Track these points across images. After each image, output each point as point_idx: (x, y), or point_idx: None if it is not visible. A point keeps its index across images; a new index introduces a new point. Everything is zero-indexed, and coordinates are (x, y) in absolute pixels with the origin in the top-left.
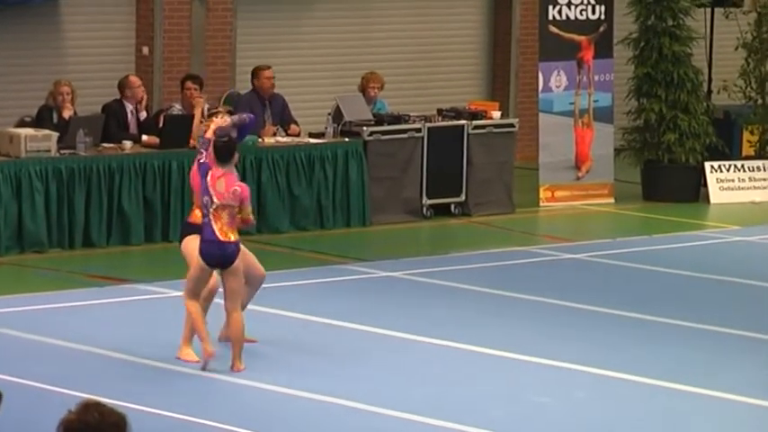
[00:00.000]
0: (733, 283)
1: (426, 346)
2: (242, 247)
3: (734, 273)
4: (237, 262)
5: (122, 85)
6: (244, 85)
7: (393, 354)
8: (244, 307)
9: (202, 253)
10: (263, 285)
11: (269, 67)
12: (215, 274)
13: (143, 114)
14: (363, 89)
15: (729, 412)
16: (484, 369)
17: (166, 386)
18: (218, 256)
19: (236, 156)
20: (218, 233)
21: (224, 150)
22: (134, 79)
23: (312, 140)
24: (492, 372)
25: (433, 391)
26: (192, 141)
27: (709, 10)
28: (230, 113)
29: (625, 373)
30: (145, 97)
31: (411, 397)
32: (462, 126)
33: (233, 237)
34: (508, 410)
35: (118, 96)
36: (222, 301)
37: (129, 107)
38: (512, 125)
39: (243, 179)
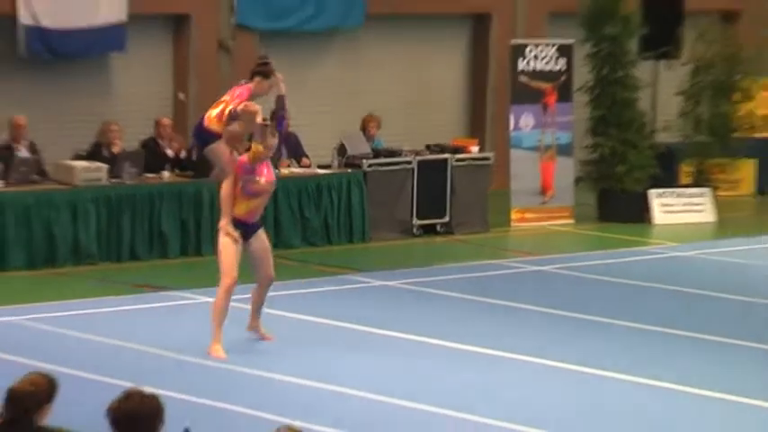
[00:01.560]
0: (673, 290)
1: (414, 343)
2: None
3: (673, 282)
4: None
5: (157, 125)
6: None
7: (386, 348)
8: (260, 307)
9: None
10: (281, 292)
11: (284, 109)
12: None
13: (175, 149)
14: (364, 128)
15: (663, 398)
16: (462, 361)
17: (197, 377)
18: None
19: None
20: None
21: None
22: (166, 121)
23: (320, 171)
24: (466, 363)
25: (418, 378)
26: (213, 174)
27: (653, 62)
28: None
29: (577, 365)
30: (174, 136)
31: (400, 384)
32: (446, 159)
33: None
34: (488, 398)
35: (153, 135)
36: (241, 305)
37: (163, 143)
38: (488, 158)
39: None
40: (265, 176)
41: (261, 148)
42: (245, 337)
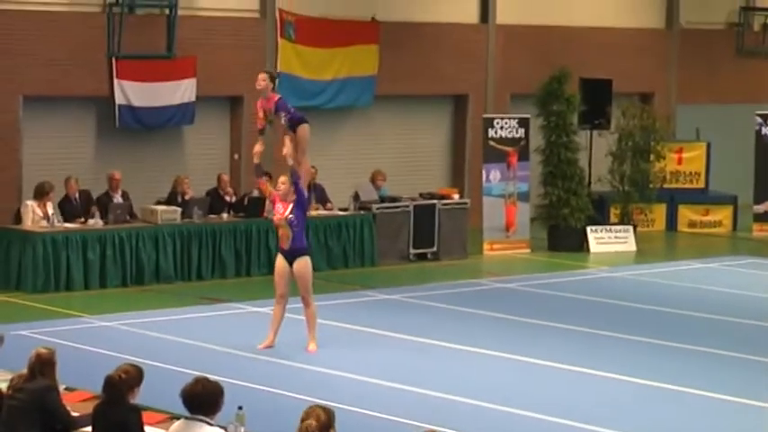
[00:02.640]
0: (604, 302)
1: (411, 342)
2: (302, 272)
3: (606, 295)
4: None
5: (218, 179)
6: None
7: (391, 346)
8: (310, 324)
9: None
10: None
11: (313, 167)
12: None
13: (229, 197)
14: (373, 180)
15: (601, 386)
16: (443, 355)
17: (249, 367)
18: None
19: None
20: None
21: None
22: (225, 176)
23: (340, 213)
24: (448, 357)
25: (412, 369)
26: (264, 214)
27: (589, 131)
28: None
29: (534, 359)
30: (229, 189)
31: (401, 372)
32: (435, 204)
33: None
34: (463, 382)
35: (215, 185)
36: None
37: (222, 192)
38: (466, 203)
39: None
40: (278, 213)
41: (270, 189)
42: (289, 339)
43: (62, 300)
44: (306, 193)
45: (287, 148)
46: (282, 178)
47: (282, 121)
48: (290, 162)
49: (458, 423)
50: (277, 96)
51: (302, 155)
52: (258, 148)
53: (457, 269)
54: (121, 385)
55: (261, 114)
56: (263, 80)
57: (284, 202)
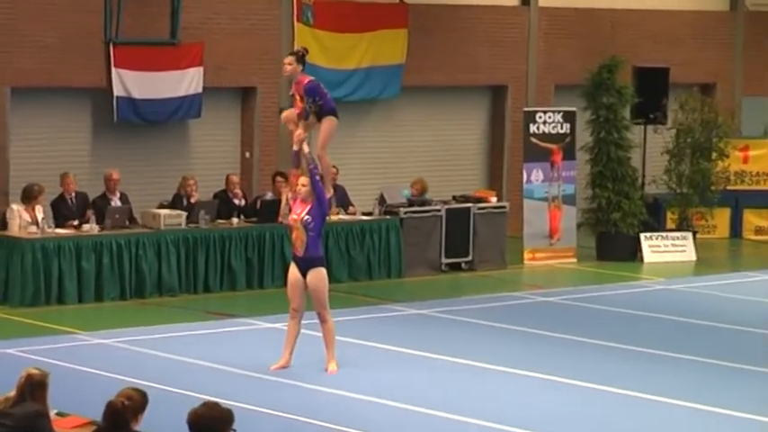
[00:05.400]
0: (659, 317)
1: (442, 363)
2: (316, 284)
3: (660, 310)
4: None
5: (227, 180)
6: None
7: (419, 365)
8: (331, 342)
9: None
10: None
11: (334, 166)
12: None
13: (239, 199)
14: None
15: (653, 411)
16: (480, 376)
17: (262, 390)
18: None
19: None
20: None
21: None
22: (234, 177)
23: (364, 218)
24: (485, 378)
25: (444, 392)
26: (279, 219)
27: (643, 126)
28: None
29: (581, 381)
30: (239, 191)
31: (429, 395)
32: (469, 207)
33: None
34: (501, 407)
35: (224, 187)
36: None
37: (231, 195)
38: (504, 207)
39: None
40: (294, 214)
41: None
42: (306, 359)
43: (53, 314)
44: (325, 190)
45: (300, 131)
46: (303, 179)
47: (309, 107)
48: (306, 149)
49: None
50: (307, 78)
51: (323, 150)
52: (300, 132)
53: (494, 281)
54: (125, 412)
55: (297, 98)
56: (288, 64)
57: (304, 202)
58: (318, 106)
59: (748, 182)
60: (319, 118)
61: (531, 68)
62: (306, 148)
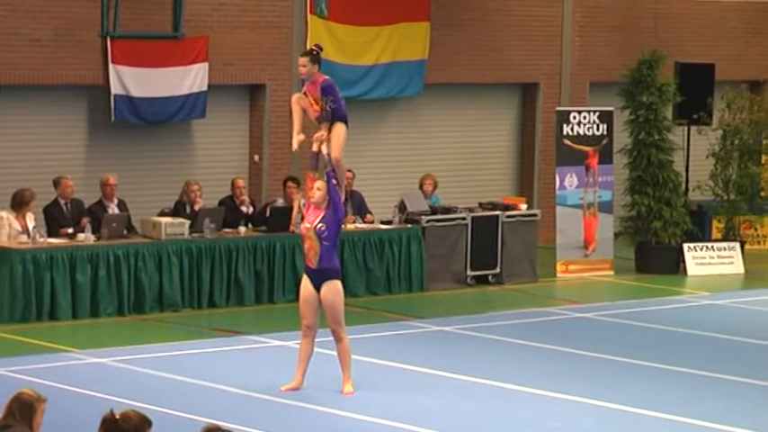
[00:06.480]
0: (705, 336)
1: (468, 384)
2: (330, 299)
3: (706, 328)
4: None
5: (233, 185)
6: None
7: (443, 388)
8: (346, 365)
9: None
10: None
11: (349, 170)
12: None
13: (246, 207)
14: (421, 186)
15: None
16: (511, 400)
17: (271, 414)
18: None
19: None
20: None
21: None
22: (240, 182)
23: (383, 226)
24: (516, 401)
25: (469, 416)
26: (291, 227)
27: (686, 127)
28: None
29: (621, 405)
30: (246, 198)
31: (452, 421)
32: (497, 215)
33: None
34: None
35: (231, 193)
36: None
37: (238, 202)
38: (535, 215)
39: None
40: (307, 221)
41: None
42: (319, 380)
43: (45, 331)
44: (342, 197)
45: (321, 133)
46: (319, 183)
47: (327, 107)
48: (325, 150)
49: None
50: (323, 78)
51: (340, 153)
52: (321, 134)
53: (524, 295)
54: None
55: (312, 101)
56: (303, 66)
57: (318, 209)
58: (333, 109)
59: None
60: (332, 122)
61: (564, 64)
62: (325, 150)
